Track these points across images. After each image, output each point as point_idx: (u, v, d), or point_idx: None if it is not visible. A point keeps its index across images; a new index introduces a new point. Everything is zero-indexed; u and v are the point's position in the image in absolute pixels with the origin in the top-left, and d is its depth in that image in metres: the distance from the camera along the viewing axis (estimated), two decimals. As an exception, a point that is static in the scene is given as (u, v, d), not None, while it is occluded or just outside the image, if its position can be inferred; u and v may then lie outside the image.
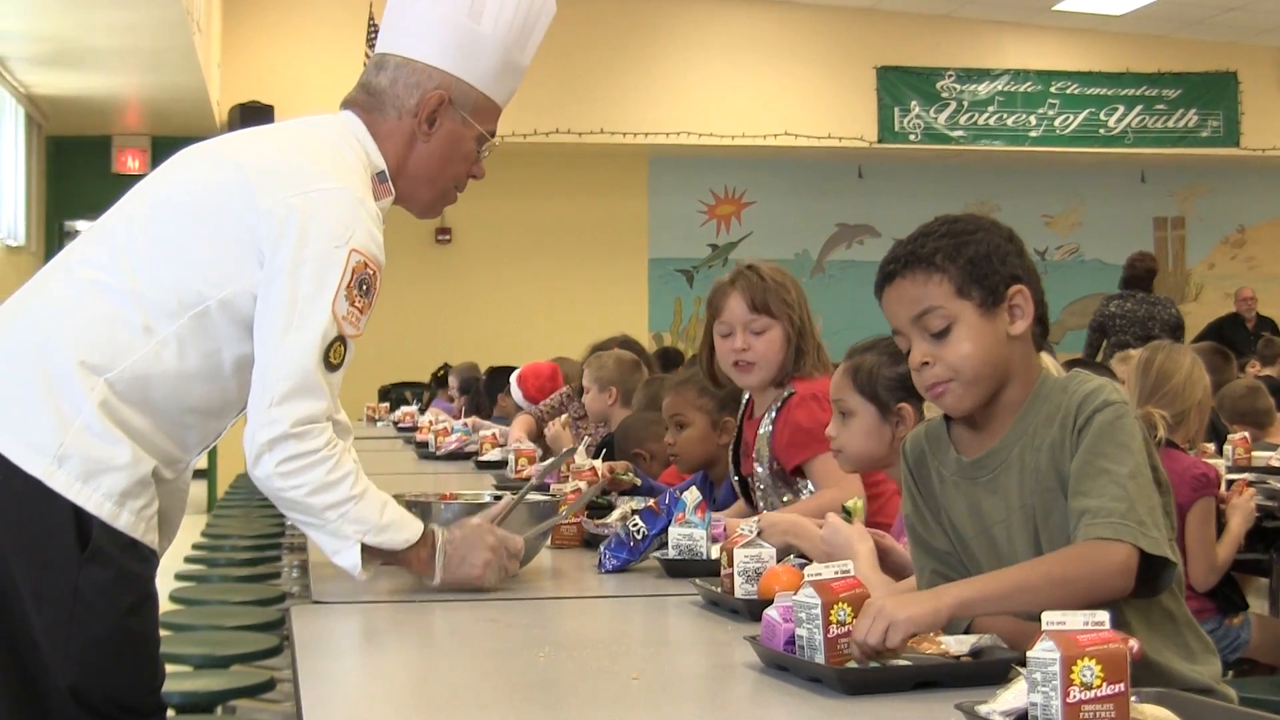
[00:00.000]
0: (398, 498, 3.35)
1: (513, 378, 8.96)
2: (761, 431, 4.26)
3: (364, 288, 3.02)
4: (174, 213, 3.05)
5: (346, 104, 3.32)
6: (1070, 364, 3.74)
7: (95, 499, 2.85)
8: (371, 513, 3.13)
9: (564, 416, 7.19)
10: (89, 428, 2.86)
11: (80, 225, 14.88)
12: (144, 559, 2.95)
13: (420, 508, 3.61)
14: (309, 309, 2.95)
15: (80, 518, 2.84)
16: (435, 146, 3.27)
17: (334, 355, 2.99)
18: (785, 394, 4.25)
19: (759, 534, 3.29)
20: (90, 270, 3.01)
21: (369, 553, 3.16)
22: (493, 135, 3.36)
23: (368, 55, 3.42)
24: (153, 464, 2.95)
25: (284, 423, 2.94)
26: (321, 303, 2.96)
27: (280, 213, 2.96)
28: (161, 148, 3.86)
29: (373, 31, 13.25)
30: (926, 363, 2.78)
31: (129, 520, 2.90)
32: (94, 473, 2.85)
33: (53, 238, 15.22)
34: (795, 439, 4.18)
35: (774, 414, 4.25)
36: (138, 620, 2.96)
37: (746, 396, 4.49)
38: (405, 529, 3.22)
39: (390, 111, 3.25)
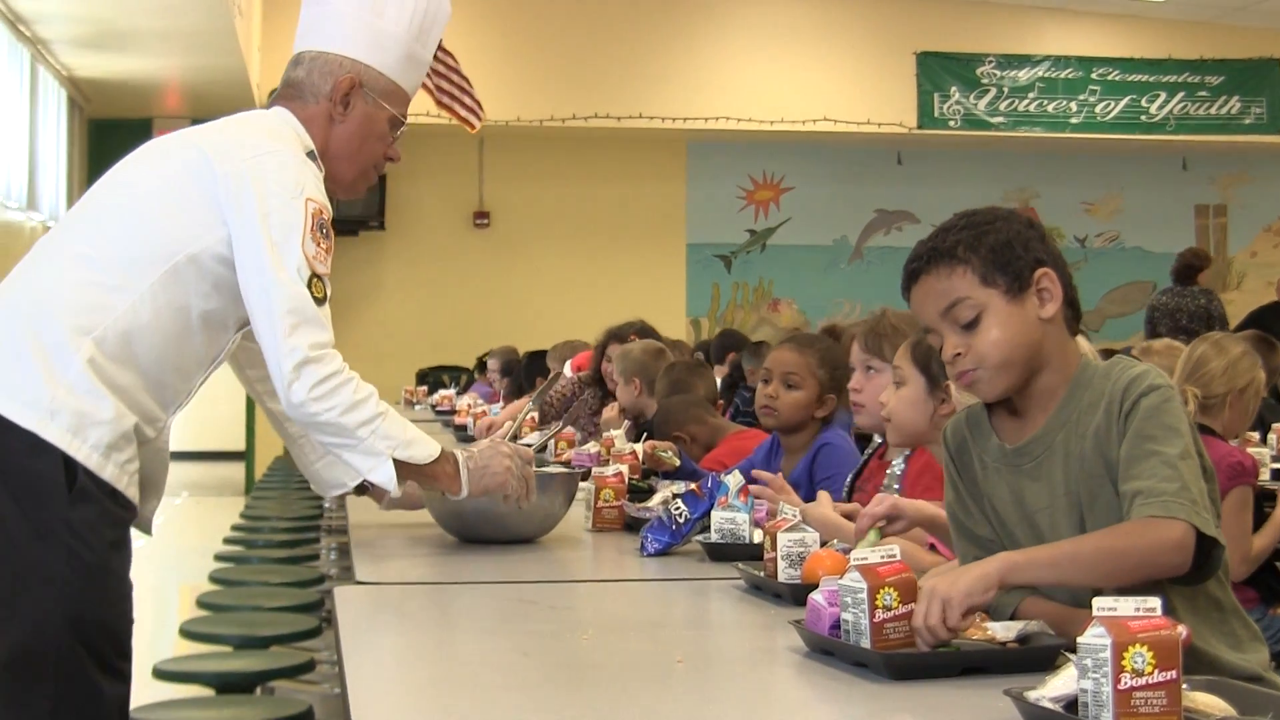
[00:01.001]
0: None
1: (567, 366, 8.95)
2: (890, 473, 4.18)
3: (324, 230, 3.33)
4: (141, 186, 3.38)
5: (272, 102, 3.63)
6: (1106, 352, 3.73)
7: (84, 450, 3.09)
8: (397, 429, 3.42)
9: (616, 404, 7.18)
10: (76, 385, 3.11)
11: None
12: (124, 507, 3.19)
13: None
14: (284, 253, 3.24)
15: (69, 466, 3.08)
16: (351, 126, 3.55)
17: (316, 290, 3.28)
18: None
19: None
20: (72, 245, 3.30)
21: (400, 470, 3.44)
22: (404, 120, 3.64)
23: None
24: (134, 420, 3.18)
25: (302, 348, 3.23)
26: (293, 245, 3.25)
27: (235, 176, 3.27)
28: (202, 130, 3.91)
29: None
30: (959, 354, 2.78)
31: (113, 472, 3.13)
32: (82, 426, 3.09)
33: (93, 219, 15.24)
34: (923, 475, 4.00)
35: (908, 452, 4.12)
36: (118, 558, 3.18)
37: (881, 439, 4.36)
38: (428, 444, 3.52)
39: (309, 98, 3.54)
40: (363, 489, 3.98)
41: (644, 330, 7.95)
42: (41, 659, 3.06)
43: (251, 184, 3.26)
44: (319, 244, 3.30)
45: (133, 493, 3.20)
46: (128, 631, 3.21)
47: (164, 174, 3.38)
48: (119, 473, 3.14)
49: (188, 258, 3.24)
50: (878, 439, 4.42)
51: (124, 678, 3.19)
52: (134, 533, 3.27)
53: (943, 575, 2.64)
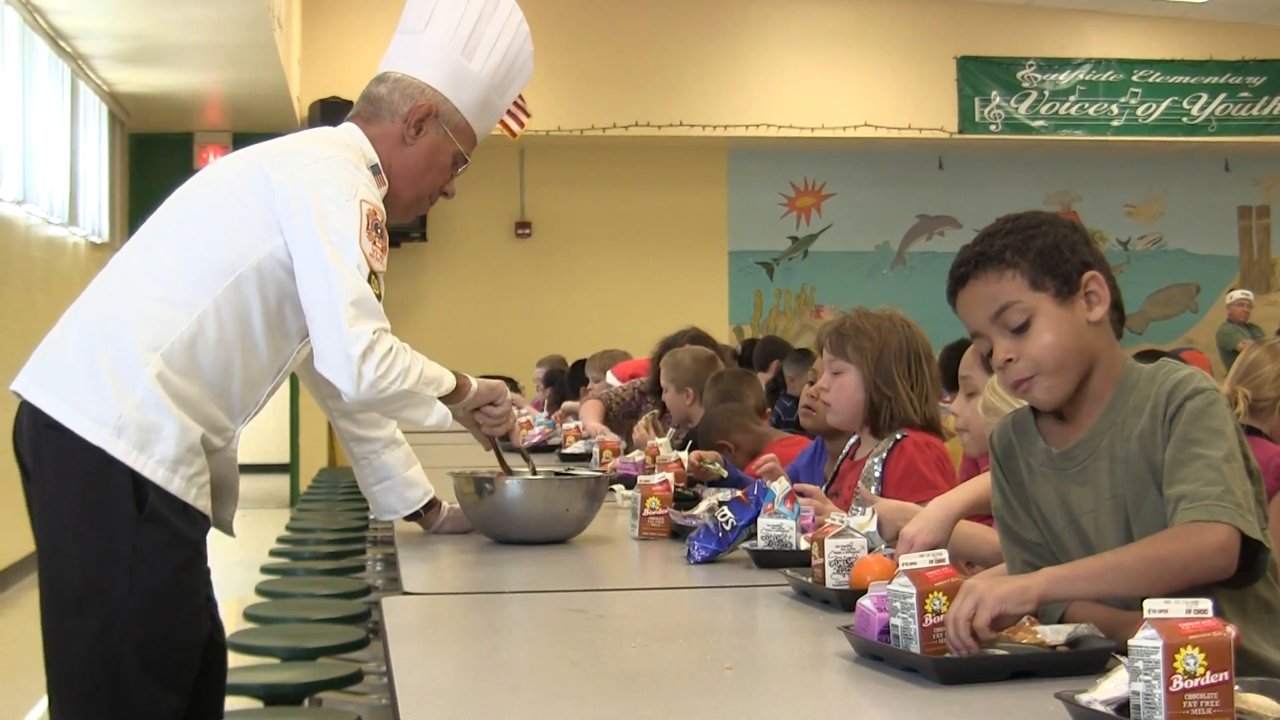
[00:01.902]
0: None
1: (609, 374, 8.94)
2: (865, 474, 4.20)
3: (378, 230, 3.43)
4: (201, 202, 3.50)
5: (345, 119, 3.75)
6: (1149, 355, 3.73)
7: (150, 465, 3.20)
8: (431, 371, 3.56)
9: (646, 416, 7.14)
10: (143, 401, 3.21)
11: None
12: (194, 522, 3.30)
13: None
14: (343, 250, 3.33)
15: (137, 483, 3.19)
16: (419, 151, 3.69)
17: (374, 286, 3.39)
18: (898, 435, 4.21)
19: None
20: (138, 262, 3.42)
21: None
22: (467, 160, 3.78)
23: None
24: (200, 432, 3.28)
25: (366, 335, 3.32)
26: (351, 243, 3.35)
27: (291, 184, 3.38)
28: (243, 144, 3.92)
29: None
30: (1010, 359, 2.77)
31: (181, 485, 3.24)
32: (148, 442, 3.20)
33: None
34: (907, 478, 4.11)
35: (885, 455, 4.20)
36: (186, 577, 3.29)
37: (854, 438, 4.46)
38: (446, 373, 3.65)
39: (385, 115, 3.68)
40: (414, 515, 4.21)
41: (697, 337, 7.94)
42: (101, 676, 3.16)
43: (306, 188, 3.36)
44: (374, 243, 3.40)
45: (203, 504, 3.30)
46: (191, 645, 3.32)
47: (222, 188, 3.49)
48: (187, 485, 3.24)
49: (250, 268, 3.34)
50: (849, 443, 4.46)
51: (184, 689, 3.27)
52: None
53: (989, 577, 2.64)
